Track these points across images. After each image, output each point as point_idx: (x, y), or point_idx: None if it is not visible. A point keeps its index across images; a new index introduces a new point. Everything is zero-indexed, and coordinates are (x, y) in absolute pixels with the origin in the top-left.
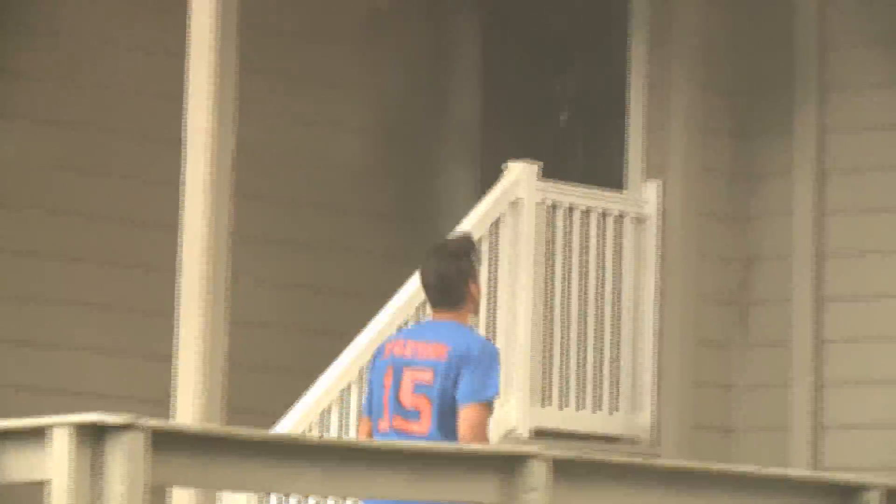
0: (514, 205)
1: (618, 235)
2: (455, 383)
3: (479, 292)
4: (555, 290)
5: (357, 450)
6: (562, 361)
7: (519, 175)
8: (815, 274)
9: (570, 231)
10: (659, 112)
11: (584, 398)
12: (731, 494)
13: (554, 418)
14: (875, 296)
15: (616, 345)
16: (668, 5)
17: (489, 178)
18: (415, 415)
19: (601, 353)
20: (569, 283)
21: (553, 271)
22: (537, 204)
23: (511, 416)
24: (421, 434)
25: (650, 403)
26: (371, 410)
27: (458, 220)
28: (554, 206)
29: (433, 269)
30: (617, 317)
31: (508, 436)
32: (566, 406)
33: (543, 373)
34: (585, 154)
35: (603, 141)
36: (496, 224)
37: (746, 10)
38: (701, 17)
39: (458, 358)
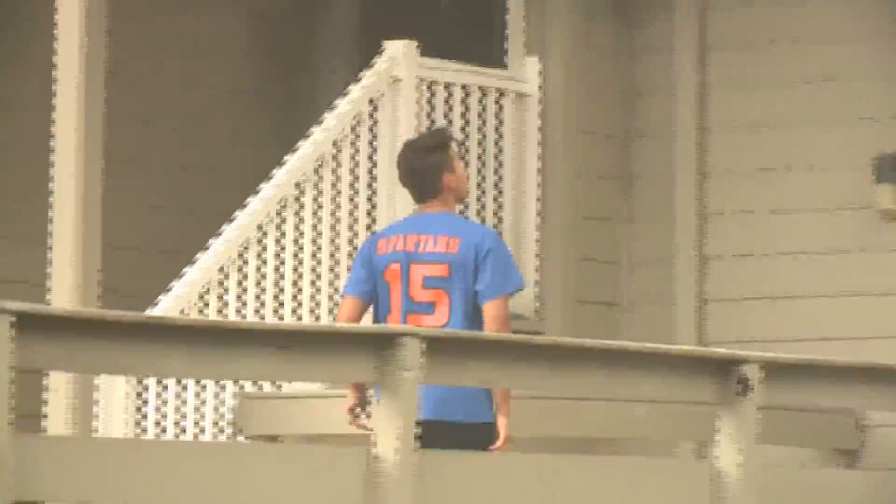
0: (393, 83)
1: (499, 113)
2: (475, 276)
3: (459, 181)
4: None
5: (227, 330)
6: None
7: (397, 52)
8: (699, 148)
9: (451, 109)
10: (539, 3)
11: None
12: (609, 370)
13: None
14: (756, 169)
15: (498, 222)
16: None
17: (370, 58)
18: (428, 308)
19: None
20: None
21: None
22: (416, 80)
23: None
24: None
25: (534, 279)
26: (356, 290)
27: (337, 100)
28: (433, 84)
29: (405, 165)
30: (499, 194)
31: None
32: None
33: None
34: (466, 32)
35: (484, 19)
36: (375, 102)
37: None
38: None
39: (476, 250)
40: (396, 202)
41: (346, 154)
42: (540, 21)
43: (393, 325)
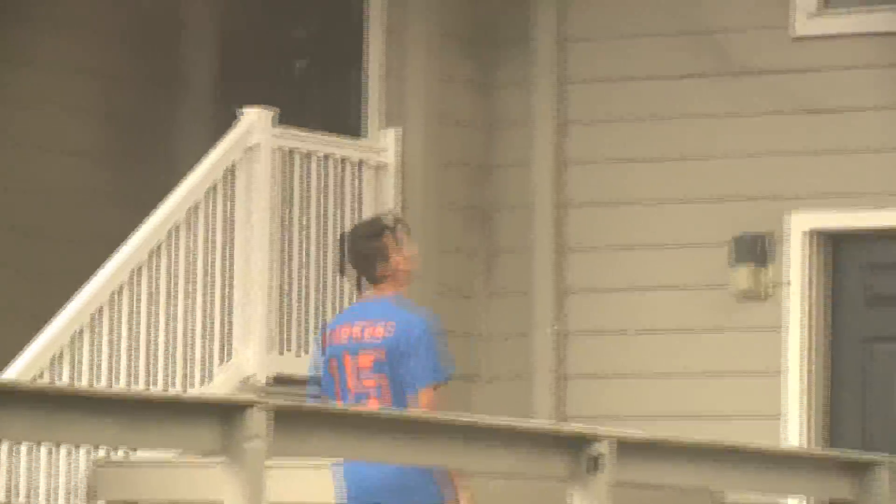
0: (249, 151)
1: (356, 182)
2: (401, 362)
3: (405, 262)
4: (292, 237)
5: (72, 397)
6: (300, 308)
7: (254, 121)
8: (556, 224)
9: (308, 178)
10: (397, 59)
11: None
12: (462, 444)
13: (292, 365)
14: (615, 246)
15: (355, 292)
16: None
17: (227, 126)
18: (367, 396)
19: (340, 300)
20: (307, 231)
21: (290, 219)
22: (272, 149)
23: (249, 364)
24: None
25: None
26: (326, 390)
27: (194, 168)
28: (291, 153)
29: (350, 252)
30: None
31: (246, 383)
32: (305, 353)
33: (281, 320)
34: (324, 102)
35: (342, 88)
36: (231, 170)
37: None
38: None
39: (406, 336)
40: (252, 268)
41: (201, 220)
42: (398, 90)
43: (239, 394)
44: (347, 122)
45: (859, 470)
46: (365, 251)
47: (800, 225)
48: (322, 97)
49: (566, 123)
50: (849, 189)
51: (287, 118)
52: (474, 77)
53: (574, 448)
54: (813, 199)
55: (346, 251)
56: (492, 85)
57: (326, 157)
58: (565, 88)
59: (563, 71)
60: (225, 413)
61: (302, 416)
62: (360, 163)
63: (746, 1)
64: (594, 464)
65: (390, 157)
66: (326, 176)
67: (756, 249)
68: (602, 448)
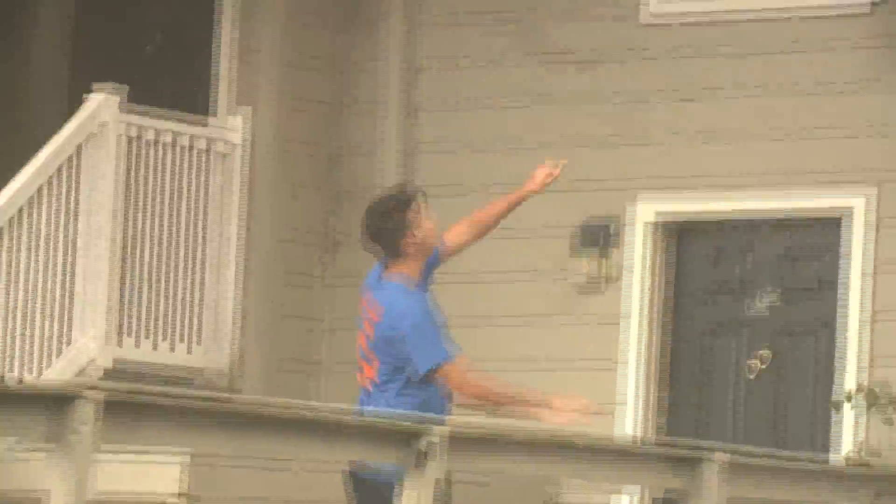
0: (97, 132)
1: (204, 165)
2: (396, 347)
3: (424, 236)
4: (137, 220)
5: None
6: (142, 295)
7: (101, 102)
8: None
9: (155, 160)
10: (249, 42)
11: (165, 332)
12: (296, 438)
13: (133, 353)
14: None
15: (200, 278)
16: None
17: (77, 106)
18: (370, 361)
19: (183, 288)
20: (153, 213)
21: (136, 201)
22: (120, 133)
23: (88, 351)
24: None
25: (232, 338)
26: None
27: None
28: (139, 135)
29: (368, 229)
30: (202, 249)
31: (84, 371)
32: (145, 340)
33: (122, 306)
34: (175, 83)
35: (192, 69)
36: (78, 151)
37: None
38: None
39: (397, 327)
40: (95, 266)
41: (45, 204)
42: (248, 72)
43: (69, 386)
44: (198, 104)
45: (690, 462)
46: (388, 226)
47: (643, 214)
48: (174, 78)
49: (415, 108)
50: (694, 175)
51: (138, 99)
52: (325, 59)
53: (406, 442)
54: (657, 188)
55: (365, 226)
56: (343, 68)
57: (175, 138)
58: (414, 73)
59: (412, 55)
60: (54, 403)
61: (132, 407)
62: (209, 144)
63: None
64: (424, 457)
65: (238, 138)
66: (173, 157)
67: (599, 238)
68: (433, 441)
